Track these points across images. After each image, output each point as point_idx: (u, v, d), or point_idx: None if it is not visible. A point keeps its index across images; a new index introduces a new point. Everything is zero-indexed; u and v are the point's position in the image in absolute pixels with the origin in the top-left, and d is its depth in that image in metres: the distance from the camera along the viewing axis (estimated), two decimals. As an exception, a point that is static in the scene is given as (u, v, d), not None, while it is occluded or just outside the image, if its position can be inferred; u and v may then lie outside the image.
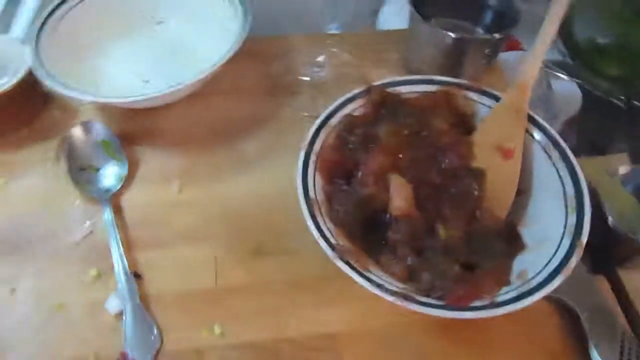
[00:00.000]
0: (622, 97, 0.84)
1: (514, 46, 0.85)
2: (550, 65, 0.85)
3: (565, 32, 0.92)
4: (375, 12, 0.88)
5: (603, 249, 0.51)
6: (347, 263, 0.42)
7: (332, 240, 0.44)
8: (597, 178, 0.51)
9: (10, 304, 0.49)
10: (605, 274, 0.51)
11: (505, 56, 0.77)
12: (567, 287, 0.48)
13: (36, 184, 0.57)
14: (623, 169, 0.52)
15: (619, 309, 0.48)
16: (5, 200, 0.56)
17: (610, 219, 0.49)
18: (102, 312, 0.48)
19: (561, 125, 0.81)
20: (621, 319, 0.48)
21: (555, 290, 0.48)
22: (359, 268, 0.42)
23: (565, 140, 0.85)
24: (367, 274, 0.42)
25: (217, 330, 0.47)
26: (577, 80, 0.85)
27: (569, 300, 0.48)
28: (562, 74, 0.84)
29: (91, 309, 0.49)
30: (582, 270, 0.50)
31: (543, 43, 0.53)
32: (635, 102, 0.78)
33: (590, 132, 0.89)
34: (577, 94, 0.84)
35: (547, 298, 0.48)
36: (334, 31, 0.84)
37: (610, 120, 0.67)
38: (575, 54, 0.90)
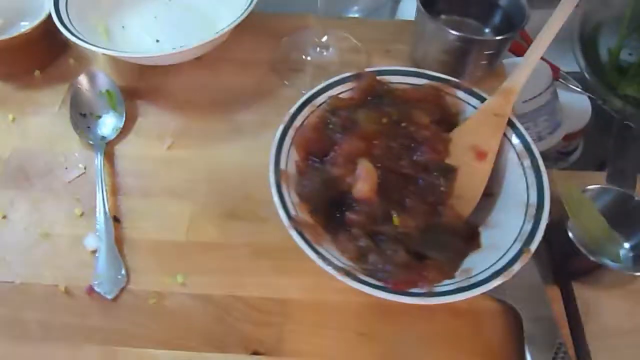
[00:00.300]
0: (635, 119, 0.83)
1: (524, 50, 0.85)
2: (566, 76, 0.84)
3: (588, 46, 0.91)
4: (397, 1, 0.89)
5: (563, 261, 0.52)
6: (301, 234, 0.44)
7: (292, 212, 0.46)
8: (568, 192, 0.51)
9: (1, 227, 0.54)
10: (560, 286, 0.52)
11: (515, 60, 0.77)
12: (517, 291, 0.50)
13: (42, 124, 0.62)
14: (596, 187, 0.52)
15: (565, 322, 0.49)
16: (12, 135, 0.61)
17: (570, 234, 0.49)
18: (80, 248, 0.52)
19: (565, 137, 0.81)
20: (565, 331, 0.49)
21: (505, 294, 0.50)
22: (310, 240, 0.44)
23: (569, 153, 0.86)
24: (317, 247, 0.44)
25: (179, 279, 0.50)
26: (590, 95, 0.84)
27: (515, 304, 0.49)
28: (576, 86, 0.83)
29: (72, 243, 0.53)
30: (535, 277, 0.51)
31: (535, 51, 0.53)
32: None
33: (595, 148, 0.88)
34: (587, 108, 0.83)
35: (495, 299, 0.50)
36: (352, 15, 0.86)
37: (617, 140, 0.67)
38: (595, 69, 0.89)
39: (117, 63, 0.67)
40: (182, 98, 0.64)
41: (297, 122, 0.52)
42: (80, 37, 0.59)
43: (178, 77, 0.66)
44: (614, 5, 0.90)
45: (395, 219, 0.46)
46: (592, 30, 0.93)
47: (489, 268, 0.44)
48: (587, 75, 0.88)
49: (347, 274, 0.42)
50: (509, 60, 0.74)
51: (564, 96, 0.82)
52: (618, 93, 0.87)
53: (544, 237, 0.45)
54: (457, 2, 0.67)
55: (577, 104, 0.84)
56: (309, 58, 0.68)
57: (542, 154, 0.79)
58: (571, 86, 0.84)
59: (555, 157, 0.86)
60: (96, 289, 0.49)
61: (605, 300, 0.51)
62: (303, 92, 0.63)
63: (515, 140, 0.52)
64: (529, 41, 0.85)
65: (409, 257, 0.45)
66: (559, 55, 0.86)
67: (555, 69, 0.84)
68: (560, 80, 0.84)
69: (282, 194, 0.47)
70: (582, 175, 0.60)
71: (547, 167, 0.50)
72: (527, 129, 0.72)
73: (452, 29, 0.60)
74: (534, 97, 0.72)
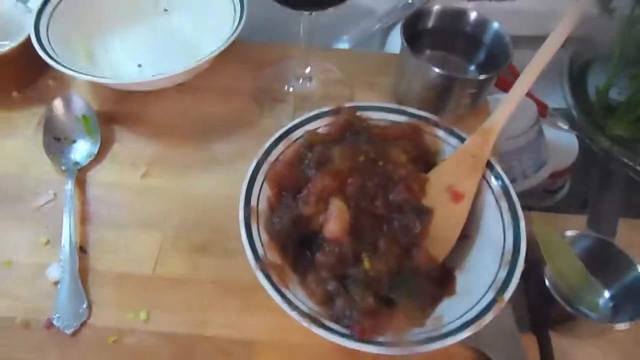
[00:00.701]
0: (627, 161, 0.82)
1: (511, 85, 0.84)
2: (554, 113, 0.84)
3: (577, 83, 0.91)
4: (387, 32, 0.89)
5: (540, 310, 0.51)
6: (267, 276, 0.43)
7: (260, 252, 0.45)
8: (546, 236, 0.50)
9: (-38, 254, 0.52)
10: (537, 333, 0.50)
11: (500, 97, 0.76)
12: (491, 338, 0.49)
13: (15, 147, 0.61)
14: (574, 232, 0.51)
15: (541, 372, 0.48)
16: (-17, 157, 0.59)
17: (547, 281, 0.48)
18: (42, 278, 0.51)
19: (551, 176, 0.80)
20: (541, 382, 0.47)
21: (478, 341, 0.48)
22: (277, 283, 0.43)
23: (555, 191, 0.85)
24: (284, 290, 0.43)
25: (142, 315, 0.49)
26: (577, 134, 0.83)
27: (489, 353, 0.47)
28: (564, 123, 0.83)
29: (34, 272, 0.51)
30: (511, 324, 0.49)
31: (517, 92, 0.53)
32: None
33: (582, 187, 0.88)
34: (574, 146, 0.82)
35: (469, 347, 0.48)
36: (342, 46, 0.85)
37: (599, 184, 0.66)
38: (583, 107, 0.88)
39: (96, 86, 0.66)
40: (160, 124, 0.63)
41: (272, 157, 0.51)
42: (59, 60, 0.58)
43: (158, 103, 0.65)
44: (603, 43, 0.91)
45: (366, 263, 0.44)
46: (581, 68, 0.93)
47: (460, 317, 0.43)
48: (574, 113, 0.88)
49: (312, 320, 0.41)
50: (493, 96, 0.73)
51: (551, 133, 0.81)
52: (606, 132, 0.86)
53: (520, 281, 0.43)
54: (442, 37, 0.66)
55: (564, 142, 0.83)
56: (291, 89, 0.67)
57: (528, 191, 0.79)
58: (559, 124, 0.83)
59: (541, 195, 0.85)
60: (55, 322, 0.48)
61: (583, 350, 0.49)
62: (284, 123, 0.63)
63: (493, 182, 0.50)
64: (516, 76, 0.84)
65: (378, 304, 0.43)
66: (547, 91, 0.86)
67: (542, 106, 0.83)
68: (548, 117, 0.84)
69: (250, 232, 0.46)
70: (562, 218, 0.59)
71: (532, 205, 0.49)
72: (511, 167, 0.72)
73: (436, 65, 0.59)
74: (519, 135, 0.72)
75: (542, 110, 0.83)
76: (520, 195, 0.49)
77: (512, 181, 0.75)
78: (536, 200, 0.85)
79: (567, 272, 0.50)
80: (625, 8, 0.86)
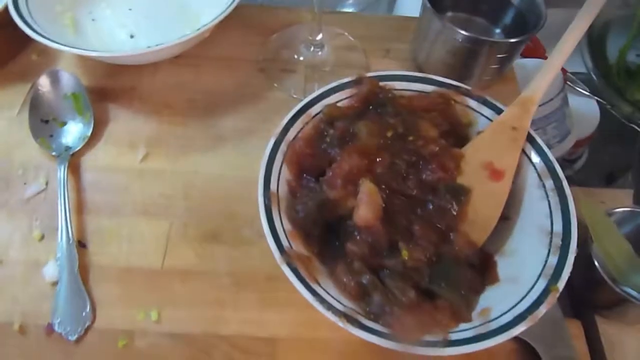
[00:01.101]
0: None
1: (537, 52, 0.79)
2: (573, 78, 0.79)
3: (596, 46, 0.86)
4: (395, -4, 0.82)
5: (585, 293, 0.47)
6: (294, 270, 0.38)
7: (284, 242, 0.40)
8: (591, 215, 0.46)
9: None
10: (583, 319, 0.46)
11: (524, 62, 0.71)
12: (535, 328, 0.44)
13: (-1, 130, 0.54)
14: (623, 209, 0.47)
15: (589, 361, 0.44)
16: (-36, 142, 0.53)
17: (596, 262, 0.44)
18: (39, 277, 0.46)
19: (573, 145, 0.76)
20: (590, 372, 0.44)
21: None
22: (306, 278, 0.38)
23: (574, 161, 0.81)
24: (314, 286, 0.38)
25: (153, 315, 0.44)
26: (598, 99, 0.79)
27: (535, 344, 0.44)
28: (584, 89, 0.78)
29: (29, 272, 0.46)
30: (556, 312, 0.45)
31: (558, 57, 0.48)
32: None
33: (601, 155, 0.84)
34: (595, 112, 0.78)
35: (511, 337, 0.44)
36: (348, 9, 0.79)
37: (625, 147, 0.61)
38: (603, 71, 0.84)
39: (85, 60, 0.59)
40: (158, 100, 0.57)
41: (290, 135, 0.46)
42: (42, 32, 0.52)
43: (154, 76, 0.59)
44: (623, 4, 0.85)
45: (404, 252, 0.40)
46: (600, 30, 0.88)
47: (510, 310, 0.38)
48: (594, 77, 0.83)
49: (349, 319, 0.37)
50: (517, 62, 0.68)
51: (572, 100, 0.76)
52: (626, 97, 0.82)
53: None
54: (465, -2, 0.60)
55: (584, 109, 0.78)
56: (301, 58, 0.61)
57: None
58: (579, 89, 0.79)
59: (560, 165, 0.81)
60: (56, 328, 0.43)
61: (633, 337, 0.46)
62: (294, 95, 0.58)
63: (535, 158, 0.46)
64: (535, 41, 0.79)
65: (419, 297, 0.39)
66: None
67: (562, 71, 0.79)
68: (567, 83, 0.79)
69: (272, 221, 0.41)
70: (600, 192, 0.54)
71: None
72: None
73: (460, 28, 0.53)
74: (544, 103, 0.67)
75: (563, 74, 0.78)
76: None
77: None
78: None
79: (614, 253, 0.46)
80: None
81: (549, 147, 0.70)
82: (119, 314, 0.44)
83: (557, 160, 0.79)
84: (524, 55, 0.77)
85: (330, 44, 0.62)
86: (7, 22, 0.53)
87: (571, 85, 0.79)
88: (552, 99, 0.67)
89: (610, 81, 0.84)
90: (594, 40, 0.87)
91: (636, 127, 0.79)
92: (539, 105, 0.67)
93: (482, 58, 0.55)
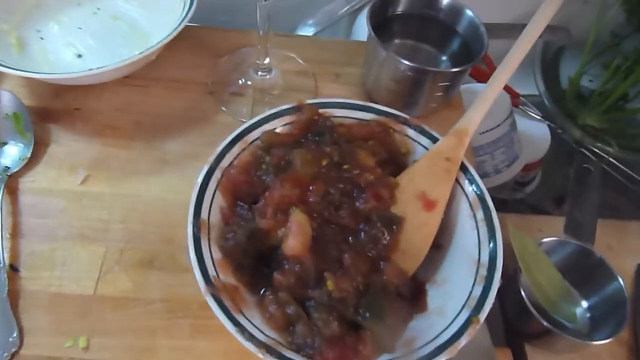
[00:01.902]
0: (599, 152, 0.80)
1: (486, 77, 0.81)
2: (525, 102, 0.80)
3: (549, 70, 0.88)
4: (354, 16, 0.83)
5: (515, 322, 0.48)
6: (218, 300, 0.38)
7: (211, 272, 0.40)
8: (521, 245, 0.47)
9: None
10: (513, 348, 0.47)
11: (474, 87, 0.73)
12: (463, 357, 0.45)
13: None
14: (552, 238, 0.48)
15: (516, 390, 0.45)
16: None
17: (523, 293, 0.45)
18: (-34, 302, 0.45)
19: (524, 168, 0.78)
20: (516, 401, 0.44)
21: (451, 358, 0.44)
22: (230, 308, 0.38)
23: (526, 183, 0.82)
24: (237, 317, 0.38)
25: (82, 343, 0.44)
26: (549, 123, 0.80)
27: (463, 373, 0.44)
28: (536, 113, 0.80)
29: (-44, 296, 0.45)
30: (486, 339, 0.46)
31: (492, 90, 0.49)
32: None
33: (553, 178, 0.85)
34: (546, 136, 0.80)
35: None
36: (307, 31, 0.80)
37: (574, 187, 0.62)
38: (555, 95, 0.86)
39: (29, 79, 0.59)
40: (102, 122, 0.57)
41: (225, 162, 0.46)
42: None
43: (100, 97, 0.59)
44: (577, 30, 0.88)
45: (329, 283, 0.40)
46: (553, 55, 0.91)
47: (433, 340, 0.39)
48: (546, 101, 0.85)
49: (269, 350, 0.37)
50: (467, 86, 0.70)
51: (523, 124, 0.78)
52: (577, 122, 0.84)
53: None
54: (413, 25, 0.62)
55: (536, 133, 0.80)
56: (249, 82, 0.61)
57: (500, 185, 0.76)
58: (530, 113, 0.80)
59: (512, 188, 0.82)
60: (-20, 355, 0.42)
61: (560, 366, 0.47)
62: (242, 119, 0.58)
63: (468, 187, 0.47)
64: (490, 66, 0.81)
65: (342, 329, 0.39)
66: (518, 78, 0.82)
67: (514, 95, 0.80)
68: (520, 106, 0.81)
69: (200, 250, 0.41)
70: (537, 220, 0.55)
71: (504, 201, 0.45)
72: (483, 162, 0.69)
73: (407, 55, 0.54)
74: (492, 129, 0.68)
75: (514, 99, 0.80)
76: (491, 189, 0.46)
77: (484, 176, 0.72)
78: (507, 192, 0.83)
79: (544, 283, 0.47)
80: (600, -6, 0.83)
81: (498, 172, 0.72)
82: (46, 340, 0.44)
83: (509, 183, 0.81)
84: (478, 80, 0.79)
85: (279, 67, 0.63)
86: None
87: (523, 109, 0.81)
88: (499, 125, 0.69)
89: (562, 105, 0.86)
90: (547, 65, 0.89)
91: (585, 152, 0.81)
92: (487, 131, 0.69)
93: (426, 86, 0.56)
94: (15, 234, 0.49)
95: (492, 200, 0.45)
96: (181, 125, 0.58)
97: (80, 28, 0.63)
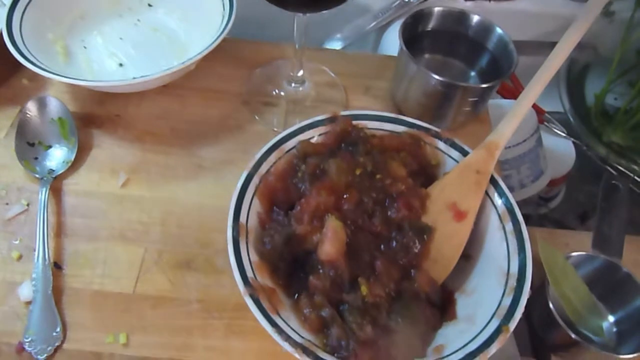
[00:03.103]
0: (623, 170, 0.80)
1: (517, 92, 0.82)
2: (550, 119, 0.81)
3: (574, 87, 0.89)
4: (382, 31, 0.85)
5: (542, 333, 0.48)
6: (257, 301, 0.40)
7: (249, 274, 0.42)
8: (549, 258, 0.48)
9: None
10: (539, 358, 0.48)
11: (500, 102, 0.74)
12: (492, 365, 0.46)
13: (-14, 151, 0.56)
14: (580, 253, 0.49)
15: (542, 401, 0.46)
16: (-50, 163, 0.55)
17: (551, 305, 0.45)
18: (14, 297, 0.47)
19: (549, 184, 0.78)
20: (543, 411, 0.45)
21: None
22: (267, 309, 0.40)
23: (550, 199, 0.83)
24: (274, 317, 0.40)
25: (122, 339, 0.45)
26: (574, 140, 0.81)
27: (490, 382, 0.45)
28: (561, 130, 0.81)
29: (5, 291, 0.48)
30: (512, 349, 0.47)
31: (523, 105, 0.50)
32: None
33: (577, 194, 0.86)
34: (571, 153, 0.81)
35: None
36: (335, 45, 0.82)
37: (603, 203, 0.63)
38: (580, 112, 0.86)
39: (74, 86, 0.61)
40: (142, 128, 0.60)
41: (263, 169, 0.48)
42: (33, 58, 0.54)
43: (140, 104, 0.61)
44: (602, 47, 0.88)
45: (364, 288, 0.41)
46: (579, 72, 0.91)
47: (463, 347, 0.40)
48: (571, 118, 0.86)
49: (305, 351, 0.38)
50: (493, 101, 0.71)
51: (548, 140, 0.79)
52: (602, 139, 0.84)
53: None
54: (443, 41, 0.63)
55: (561, 149, 0.81)
56: (282, 93, 0.63)
57: (523, 200, 0.76)
58: (555, 130, 0.81)
59: (536, 203, 0.83)
60: (27, 347, 0.44)
61: (586, 378, 0.47)
62: (275, 129, 0.60)
63: (497, 200, 0.48)
64: (516, 82, 0.82)
65: (376, 333, 0.40)
66: (544, 95, 0.83)
67: (540, 112, 0.81)
68: (545, 123, 0.81)
69: (239, 253, 0.42)
70: (565, 235, 0.56)
71: (528, 215, 0.46)
72: (509, 176, 0.70)
73: (436, 70, 0.56)
74: (518, 144, 0.69)
75: (539, 115, 0.80)
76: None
77: (509, 190, 0.73)
78: (530, 207, 0.83)
79: (572, 296, 0.48)
80: (625, 12, 0.83)
81: (523, 186, 0.73)
82: (88, 336, 0.45)
83: (533, 198, 0.82)
84: (503, 96, 0.80)
85: (311, 79, 0.65)
86: (1, 47, 0.55)
87: (548, 125, 0.82)
88: (525, 140, 0.70)
89: (587, 123, 0.86)
90: (573, 82, 0.90)
91: (610, 169, 0.81)
92: (513, 146, 0.70)
93: (455, 101, 0.58)
94: (59, 233, 0.51)
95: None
96: (216, 132, 0.60)
97: (121, 38, 0.66)
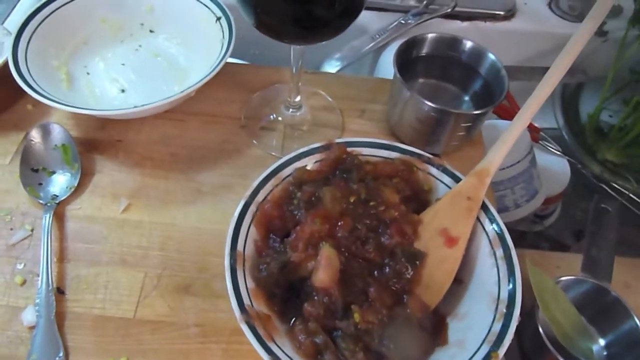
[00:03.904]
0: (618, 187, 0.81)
1: (514, 112, 0.83)
2: (544, 137, 0.83)
3: (569, 105, 0.90)
4: (378, 53, 0.87)
5: (532, 356, 0.50)
6: (252, 328, 0.41)
7: (246, 300, 0.43)
8: (539, 282, 0.49)
9: None
10: (530, 382, 0.49)
11: (496, 123, 0.75)
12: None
13: (-10, 177, 0.58)
14: (569, 277, 0.50)
15: None
16: (-46, 188, 0.56)
17: (540, 329, 0.47)
18: (17, 322, 0.48)
19: (544, 202, 0.79)
20: None
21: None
22: (263, 336, 0.41)
23: (545, 217, 0.84)
24: (270, 344, 0.41)
25: (121, 364, 0.47)
26: (569, 159, 0.82)
27: (481, 406, 0.46)
28: (555, 149, 0.82)
29: (8, 316, 0.49)
30: (504, 374, 0.48)
31: (514, 130, 0.51)
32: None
33: (573, 211, 0.87)
34: (566, 171, 0.82)
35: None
36: (333, 66, 0.83)
37: (592, 226, 0.63)
38: (574, 129, 0.88)
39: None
40: (143, 153, 0.61)
41: (260, 197, 0.49)
42: (37, 87, 0.56)
43: (140, 129, 0.63)
44: (596, 66, 0.90)
45: (356, 315, 0.42)
46: (573, 90, 0.93)
47: (453, 374, 0.41)
48: (565, 136, 0.87)
49: (299, 378, 0.39)
50: (489, 122, 0.72)
51: (543, 158, 0.80)
52: (597, 157, 0.85)
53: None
54: (437, 66, 0.65)
55: (555, 167, 0.82)
56: (279, 118, 0.65)
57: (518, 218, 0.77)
58: (550, 148, 0.82)
59: (532, 220, 0.84)
60: (29, 372, 0.45)
61: (576, 401, 0.48)
62: (273, 153, 0.61)
63: (488, 225, 0.49)
64: (512, 102, 0.83)
65: (368, 359, 0.41)
66: (538, 113, 0.85)
67: (534, 129, 0.83)
68: (540, 141, 0.83)
69: (236, 280, 0.44)
70: (555, 257, 0.57)
71: (523, 233, 0.47)
72: (503, 196, 0.71)
73: (430, 95, 0.57)
74: (512, 165, 0.70)
75: (534, 134, 0.82)
76: (510, 222, 0.48)
77: (504, 210, 0.75)
78: (526, 225, 0.84)
79: (562, 319, 0.49)
80: (618, 31, 0.85)
81: (518, 206, 0.74)
82: (90, 360, 0.47)
83: (528, 216, 0.83)
84: (500, 115, 0.82)
85: (308, 103, 0.66)
86: (6, 75, 0.57)
87: (542, 143, 0.83)
88: (519, 161, 0.71)
89: (582, 140, 0.88)
90: (567, 99, 0.91)
91: (605, 187, 0.83)
92: (507, 167, 0.71)
93: (448, 126, 0.59)
94: (62, 258, 0.52)
95: (511, 233, 0.47)
96: (215, 157, 0.61)
97: (123, 64, 0.67)
